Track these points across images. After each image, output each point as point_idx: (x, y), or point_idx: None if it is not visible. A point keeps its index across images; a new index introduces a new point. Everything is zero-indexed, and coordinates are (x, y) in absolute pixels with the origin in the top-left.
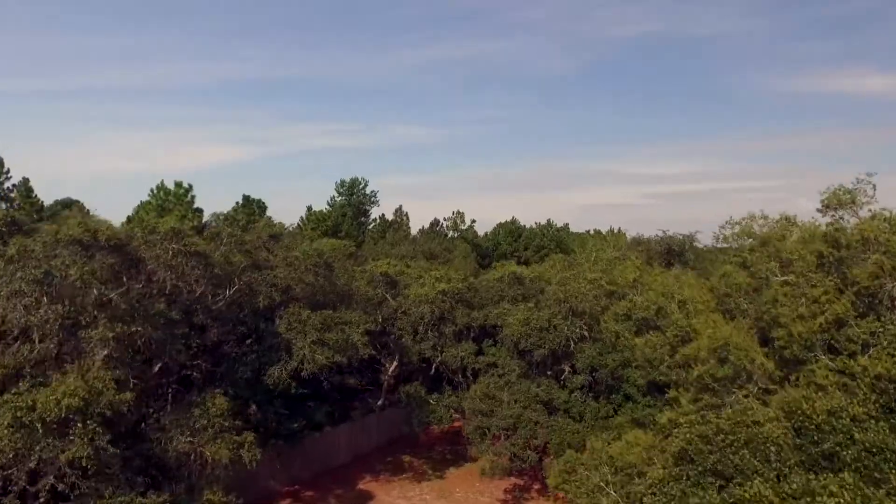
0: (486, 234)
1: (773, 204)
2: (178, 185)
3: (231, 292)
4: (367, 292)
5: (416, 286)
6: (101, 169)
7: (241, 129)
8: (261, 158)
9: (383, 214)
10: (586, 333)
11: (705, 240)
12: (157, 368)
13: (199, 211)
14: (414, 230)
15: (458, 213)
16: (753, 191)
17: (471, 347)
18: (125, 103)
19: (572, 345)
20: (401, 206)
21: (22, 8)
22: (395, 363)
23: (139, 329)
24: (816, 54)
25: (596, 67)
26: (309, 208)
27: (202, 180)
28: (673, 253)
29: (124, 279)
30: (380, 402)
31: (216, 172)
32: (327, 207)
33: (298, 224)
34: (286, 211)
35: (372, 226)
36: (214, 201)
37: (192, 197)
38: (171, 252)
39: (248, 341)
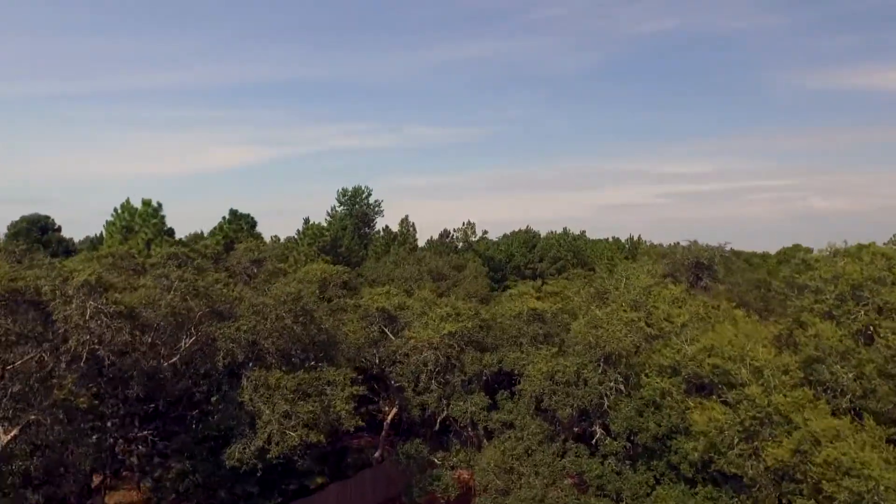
0: (498, 242)
1: (788, 203)
2: (146, 203)
3: (189, 343)
4: (358, 339)
5: (419, 326)
6: (100, 171)
7: (245, 131)
8: (266, 160)
9: (387, 226)
10: (622, 387)
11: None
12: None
13: (171, 232)
14: (421, 238)
15: (469, 223)
16: (769, 190)
17: (482, 401)
18: (125, 104)
19: (606, 402)
20: (407, 217)
21: (24, 10)
22: (394, 409)
23: (38, 417)
24: (837, 51)
25: (610, 66)
26: (306, 220)
27: (202, 183)
28: (701, 266)
29: (48, 335)
30: (377, 454)
31: (218, 175)
32: (327, 218)
33: (294, 238)
34: (288, 212)
35: (376, 237)
36: (217, 205)
37: (162, 217)
38: (88, 311)
39: (214, 399)
